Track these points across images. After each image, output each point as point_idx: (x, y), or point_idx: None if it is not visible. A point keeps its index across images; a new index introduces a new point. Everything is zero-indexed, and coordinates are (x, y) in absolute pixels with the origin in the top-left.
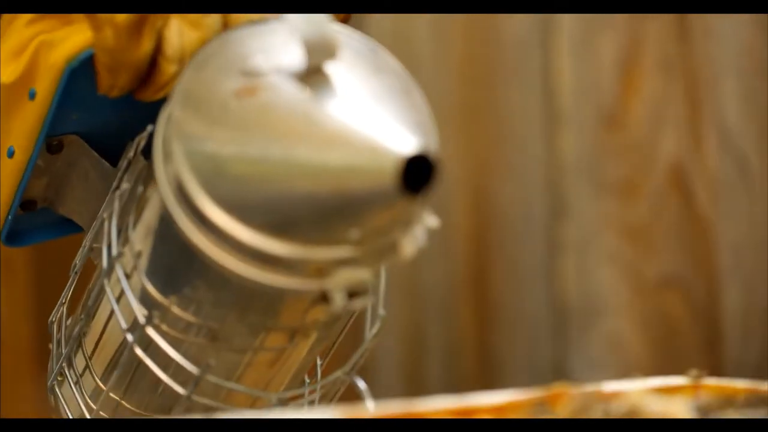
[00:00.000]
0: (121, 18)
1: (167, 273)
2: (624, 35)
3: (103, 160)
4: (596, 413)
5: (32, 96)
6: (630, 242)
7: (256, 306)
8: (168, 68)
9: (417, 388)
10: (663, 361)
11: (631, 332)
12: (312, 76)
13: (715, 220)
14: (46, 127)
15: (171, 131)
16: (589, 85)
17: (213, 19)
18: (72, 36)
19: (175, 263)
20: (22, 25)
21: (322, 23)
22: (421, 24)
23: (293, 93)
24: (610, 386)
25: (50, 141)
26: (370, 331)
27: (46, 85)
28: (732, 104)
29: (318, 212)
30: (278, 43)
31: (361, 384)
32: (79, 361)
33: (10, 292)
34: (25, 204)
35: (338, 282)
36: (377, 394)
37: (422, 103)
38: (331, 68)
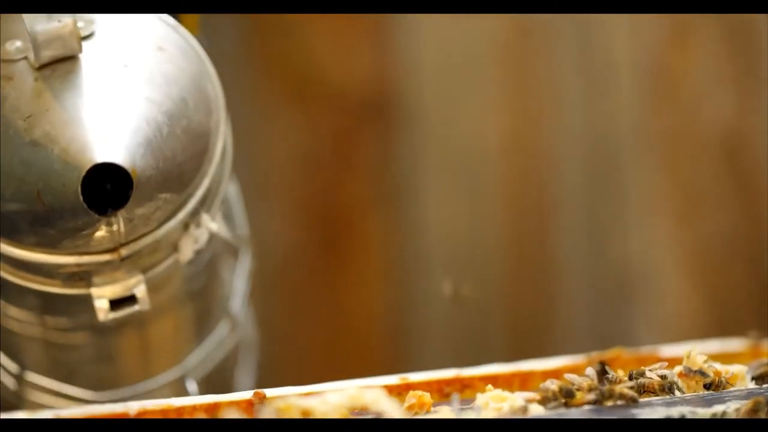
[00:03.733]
0: None
1: None
2: None
3: None
4: (653, 376)
5: None
6: (685, 205)
7: (54, 306)
8: None
9: (468, 354)
10: (722, 324)
11: (689, 296)
12: (53, 66)
13: None
14: None
15: None
16: (639, 46)
17: None
18: None
19: None
20: None
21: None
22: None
23: (27, 87)
24: (668, 350)
25: None
26: (215, 332)
27: None
28: None
29: (27, 219)
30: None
31: (192, 387)
32: None
33: None
34: None
35: (100, 290)
36: (424, 365)
37: (177, 95)
38: (79, 58)
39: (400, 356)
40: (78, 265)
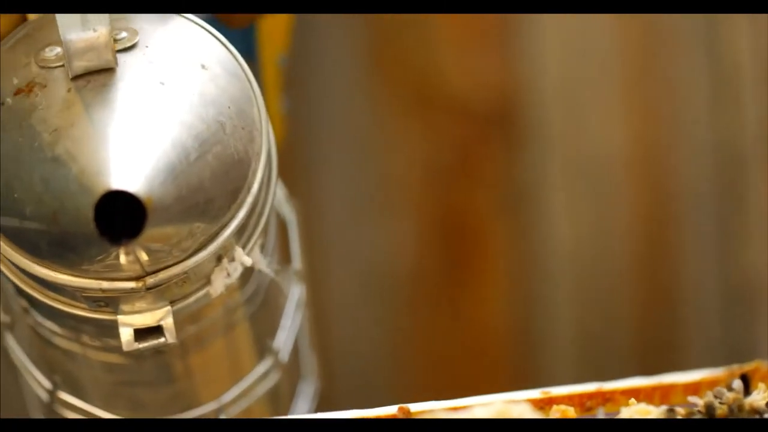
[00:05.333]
0: None
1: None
2: None
3: None
4: None
5: None
6: None
7: (83, 326)
8: None
9: (593, 368)
10: None
11: None
12: (88, 77)
13: None
14: None
15: None
16: (763, 49)
17: None
18: None
19: None
20: None
21: (98, 18)
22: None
23: (58, 97)
24: None
25: None
26: (257, 368)
27: None
28: None
29: (46, 239)
30: None
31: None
32: None
33: None
34: None
35: (125, 318)
36: (550, 380)
37: (213, 118)
38: (115, 71)
39: (525, 370)
40: (102, 290)
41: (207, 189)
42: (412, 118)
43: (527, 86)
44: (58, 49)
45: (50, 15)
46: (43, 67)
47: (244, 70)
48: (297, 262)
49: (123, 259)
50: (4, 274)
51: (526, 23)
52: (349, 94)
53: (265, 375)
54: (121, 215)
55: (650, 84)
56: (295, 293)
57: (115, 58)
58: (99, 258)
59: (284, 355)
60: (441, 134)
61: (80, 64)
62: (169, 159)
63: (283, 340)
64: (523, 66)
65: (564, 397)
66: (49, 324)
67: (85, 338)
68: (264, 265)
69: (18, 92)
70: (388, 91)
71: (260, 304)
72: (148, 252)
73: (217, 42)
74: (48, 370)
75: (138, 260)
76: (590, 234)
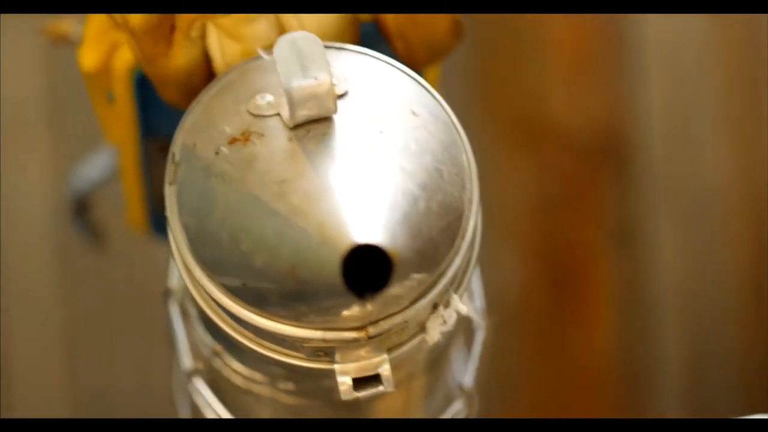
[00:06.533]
0: (136, 22)
1: (204, 318)
2: None
3: None
4: None
5: (111, 98)
6: None
7: (290, 374)
8: None
9: (701, 402)
10: None
11: None
12: (308, 126)
13: None
14: (139, 128)
15: (170, 173)
16: None
17: (255, 29)
18: None
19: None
20: (97, 22)
21: (318, 66)
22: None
23: (280, 147)
24: None
25: (159, 142)
26: (450, 407)
27: (120, 90)
28: None
29: (278, 291)
30: None
31: None
32: None
33: None
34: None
35: (344, 367)
36: (663, 410)
37: (432, 165)
38: (333, 119)
39: (633, 403)
40: (324, 340)
41: (434, 238)
42: (519, 153)
43: (633, 121)
44: (270, 97)
45: (257, 62)
46: (256, 116)
47: (449, 115)
48: (480, 299)
49: (356, 309)
50: (207, 321)
51: (632, 58)
52: None
53: (457, 415)
54: (363, 268)
55: (756, 115)
56: (480, 332)
57: (336, 106)
58: (335, 310)
59: (471, 392)
60: (548, 169)
61: (302, 113)
62: (403, 209)
63: (471, 379)
64: (629, 101)
65: None
66: (240, 368)
67: (280, 383)
68: (472, 310)
69: (233, 141)
70: (496, 126)
71: (448, 344)
72: (379, 302)
73: (420, 86)
74: (232, 408)
75: (369, 310)
76: (698, 266)
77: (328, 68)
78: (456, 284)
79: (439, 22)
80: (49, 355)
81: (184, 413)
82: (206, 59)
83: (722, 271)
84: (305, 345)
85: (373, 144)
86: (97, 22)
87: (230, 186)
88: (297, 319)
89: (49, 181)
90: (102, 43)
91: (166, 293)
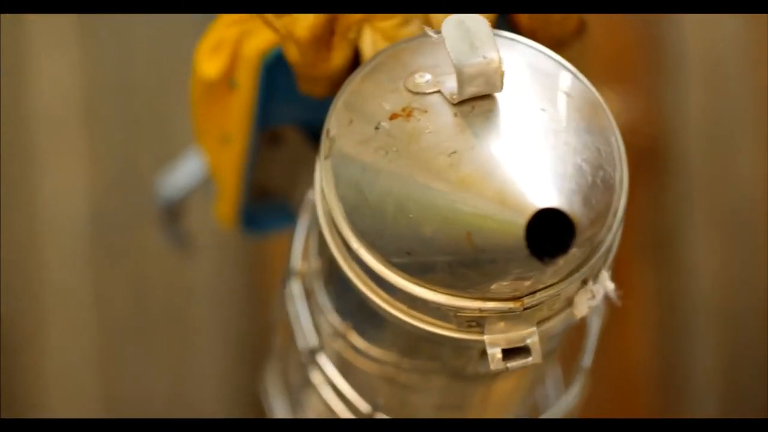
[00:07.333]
0: (302, 33)
1: (337, 296)
2: None
3: None
4: None
5: (233, 85)
6: None
7: (423, 348)
8: None
9: (734, 409)
10: None
11: None
12: (472, 103)
13: None
14: (256, 118)
15: (325, 148)
16: None
17: (410, 30)
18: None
19: (341, 288)
20: (224, 25)
21: (487, 45)
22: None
23: (446, 122)
24: None
25: (269, 132)
26: (571, 388)
27: (245, 77)
28: None
29: (448, 259)
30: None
31: None
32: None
33: None
34: (258, 192)
35: (494, 338)
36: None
37: (591, 144)
38: (496, 96)
39: (670, 411)
40: (481, 310)
41: (597, 211)
42: None
43: (671, 129)
44: (428, 76)
45: (414, 41)
46: (416, 93)
47: (598, 98)
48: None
49: (532, 276)
50: (346, 297)
51: (671, 66)
52: None
53: (577, 395)
54: (545, 234)
55: None
56: (600, 313)
57: (502, 84)
58: (508, 277)
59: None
60: None
61: (470, 90)
62: (576, 180)
63: (590, 360)
64: (667, 109)
65: None
66: (365, 346)
67: (406, 361)
68: (611, 288)
69: (394, 117)
70: None
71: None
72: (556, 269)
73: (569, 71)
74: (360, 392)
75: (544, 276)
76: (734, 274)
77: (497, 47)
78: (606, 260)
79: (570, 22)
80: (83, 357)
81: (281, 413)
82: (355, 56)
83: (758, 279)
84: (459, 315)
85: (537, 120)
86: (215, 35)
87: (395, 158)
88: (458, 288)
89: (84, 183)
90: (220, 49)
91: (288, 274)
